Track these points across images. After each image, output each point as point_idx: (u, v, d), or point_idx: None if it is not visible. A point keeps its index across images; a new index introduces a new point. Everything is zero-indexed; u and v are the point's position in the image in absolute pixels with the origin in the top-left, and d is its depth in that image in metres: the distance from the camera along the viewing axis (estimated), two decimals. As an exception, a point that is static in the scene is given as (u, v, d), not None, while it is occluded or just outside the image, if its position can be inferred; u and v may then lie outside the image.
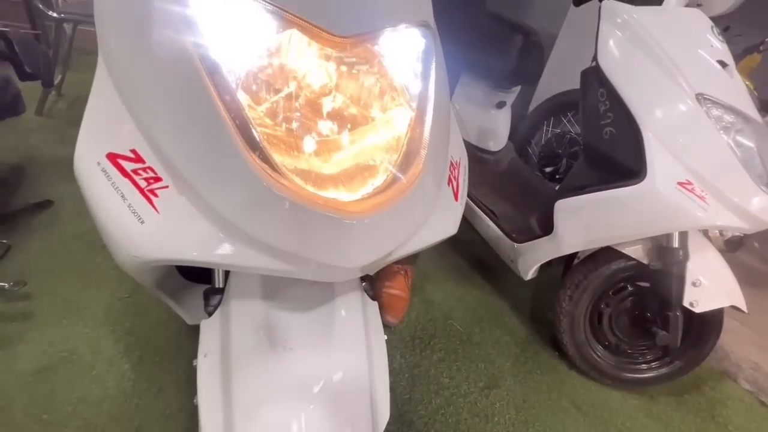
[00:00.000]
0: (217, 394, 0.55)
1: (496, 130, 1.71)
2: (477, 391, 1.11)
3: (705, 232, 1.15)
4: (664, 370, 1.18)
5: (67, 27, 2.00)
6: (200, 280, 0.77)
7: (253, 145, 0.44)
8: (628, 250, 1.07)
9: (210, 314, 0.61)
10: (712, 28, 1.04)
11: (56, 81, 2.02)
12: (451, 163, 0.65)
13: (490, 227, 1.36)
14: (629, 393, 1.22)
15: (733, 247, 1.60)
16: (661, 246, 1.03)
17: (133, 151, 0.48)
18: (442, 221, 0.60)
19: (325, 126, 0.49)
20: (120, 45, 0.50)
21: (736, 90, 1.00)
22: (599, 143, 1.06)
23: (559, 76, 1.75)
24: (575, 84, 1.13)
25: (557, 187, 1.51)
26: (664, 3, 1.06)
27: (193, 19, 0.44)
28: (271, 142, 0.45)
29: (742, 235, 1.50)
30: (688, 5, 1.08)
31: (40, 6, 1.73)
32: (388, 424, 0.60)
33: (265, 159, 0.44)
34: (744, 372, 1.35)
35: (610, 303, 1.16)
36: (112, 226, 0.47)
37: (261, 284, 0.63)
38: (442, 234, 0.60)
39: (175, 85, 0.45)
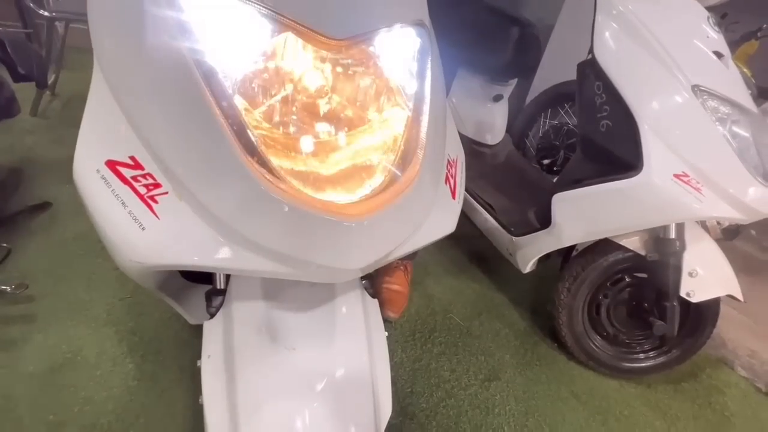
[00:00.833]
0: (221, 394, 0.56)
1: (494, 123, 1.71)
2: (477, 383, 1.13)
3: (702, 223, 1.16)
4: (661, 359, 1.20)
5: (59, 25, 1.98)
6: (201, 281, 0.77)
7: (251, 150, 0.44)
8: (625, 242, 1.08)
9: (212, 315, 0.62)
10: (708, 18, 1.04)
11: (50, 81, 1.99)
12: (448, 162, 0.65)
13: (488, 221, 1.37)
14: (627, 382, 1.23)
15: (730, 235, 1.61)
16: (658, 237, 1.04)
17: (132, 158, 0.48)
18: (441, 220, 0.61)
19: (322, 128, 0.49)
20: (115, 52, 0.50)
21: (732, 81, 1.00)
22: (596, 136, 1.06)
23: (555, 69, 1.74)
24: (572, 75, 1.13)
25: (555, 180, 1.51)
26: (660, -7, 1.05)
27: (188, 24, 0.44)
28: (269, 145, 0.46)
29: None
30: (684, -5, 1.07)
31: (31, 5, 1.71)
32: (391, 418, 0.61)
33: (263, 163, 0.44)
34: (740, 359, 1.37)
35: (608, 294, 1.17)
36: (113, 233, 0.48)
37: (262, 285, 0.64)
38: (440, 232, 0.61)
39: (171, 91, 0.45)
